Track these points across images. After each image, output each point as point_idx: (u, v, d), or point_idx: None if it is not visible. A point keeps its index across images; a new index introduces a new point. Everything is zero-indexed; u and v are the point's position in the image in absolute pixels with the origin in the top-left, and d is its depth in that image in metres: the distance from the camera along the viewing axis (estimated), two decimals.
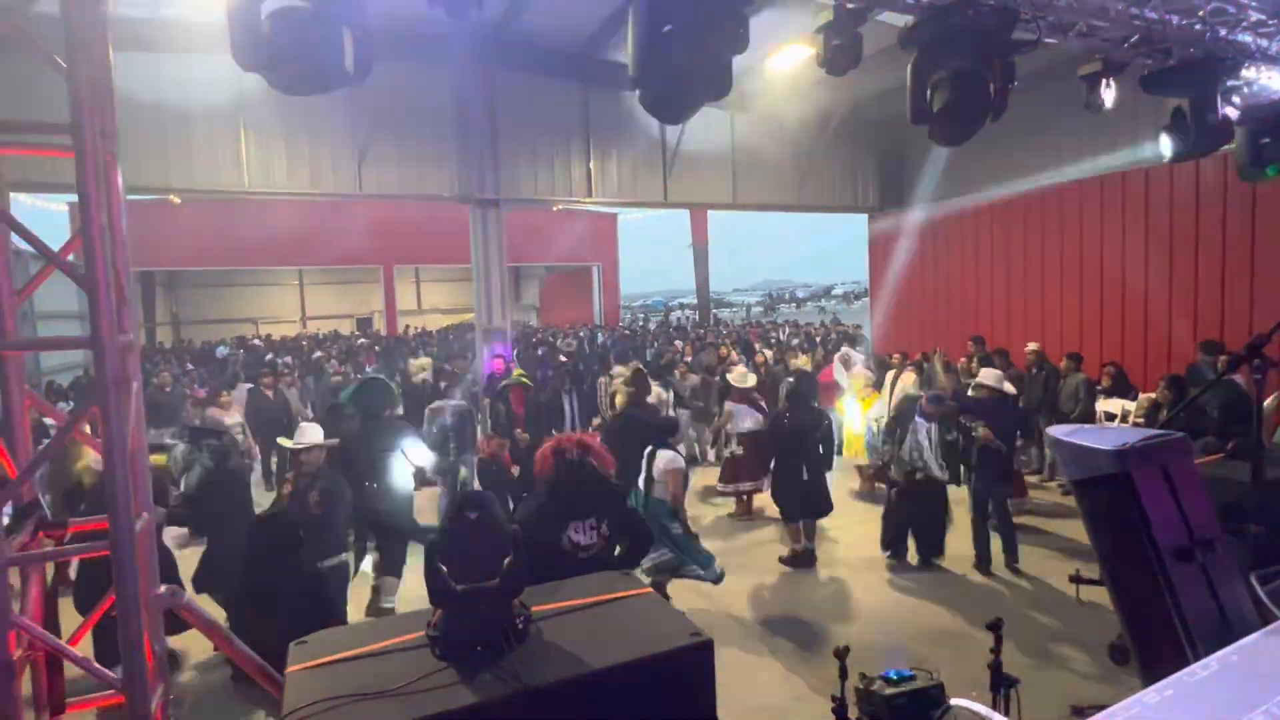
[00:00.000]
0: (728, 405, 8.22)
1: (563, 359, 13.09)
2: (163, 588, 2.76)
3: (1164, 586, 2.04)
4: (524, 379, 8.54)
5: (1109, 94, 4.69)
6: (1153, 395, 8.25)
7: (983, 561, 6.26)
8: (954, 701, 1.79)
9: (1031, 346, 9.55)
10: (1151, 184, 10.30)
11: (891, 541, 6.51)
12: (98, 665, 2.52)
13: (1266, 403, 5.54)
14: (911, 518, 6.40)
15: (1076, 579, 5.48)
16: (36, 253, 2.46)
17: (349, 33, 2.82)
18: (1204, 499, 2.19)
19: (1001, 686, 2.92)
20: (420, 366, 10.15)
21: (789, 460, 6.65)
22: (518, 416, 7.86)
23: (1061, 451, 2.61)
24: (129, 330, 2.63)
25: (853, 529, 7.43)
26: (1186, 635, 1.95)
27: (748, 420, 7.91)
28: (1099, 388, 8.65)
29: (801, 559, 6.59)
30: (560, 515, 3.49)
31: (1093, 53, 4.60)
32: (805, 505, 6.60)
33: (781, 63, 10.74)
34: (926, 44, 3.68)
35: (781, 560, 6.65)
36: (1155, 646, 2.09)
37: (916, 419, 6.27)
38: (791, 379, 7.95)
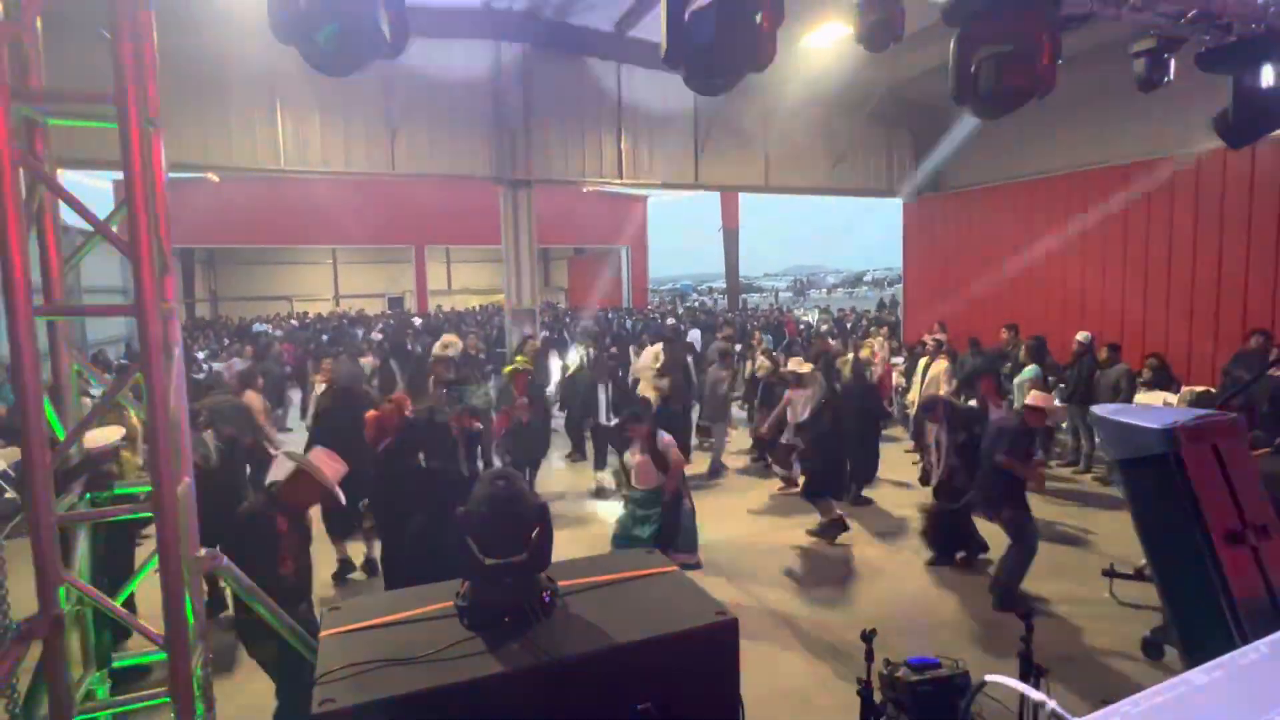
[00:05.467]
0: (788, 393, 8.00)
1: (613, 351, 13.09)
2: (203, 550, 2.84)
3: (1212, 569, 1.98)
4: (526, 365, 8.63)
5: (1163, 72, 4.50)
6: (1197, 389, 8.01)
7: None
8: (988, 677, 1.76)
9: (1081, 336, 9.27)
10: (1203, 170, 9.91)
11: (933, 542, 6.30)
12: (141, 623, 2.61)
13: None
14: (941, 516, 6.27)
15: (1110, 573, 5.40)
16: (81, 229, 2.52)
17: (384, 7, 2.82)
18: (1256, 482, 2.11)
19: (1031, 676, 2.89)
20: (446, 344, 10.14)
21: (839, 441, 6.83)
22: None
23: (1106, 430, 2.54)
24: (171, 299, 2.69)
25: (883, 515, 7.38)
26: (1235, 620, 1.89)
27: (807, 409, 7.59)
28: (1140, 380, 8.42)
29: (834, 527, 6.68)
30: None
31: (1146, 29, 4.41)
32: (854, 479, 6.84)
33: (817, 41, 10.51)
34: (971, 19, 3.55)
35: (811, 532, 6.76)
36: (1200, 630, 2.03)
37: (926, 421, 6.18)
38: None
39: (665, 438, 5.70)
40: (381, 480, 4.89)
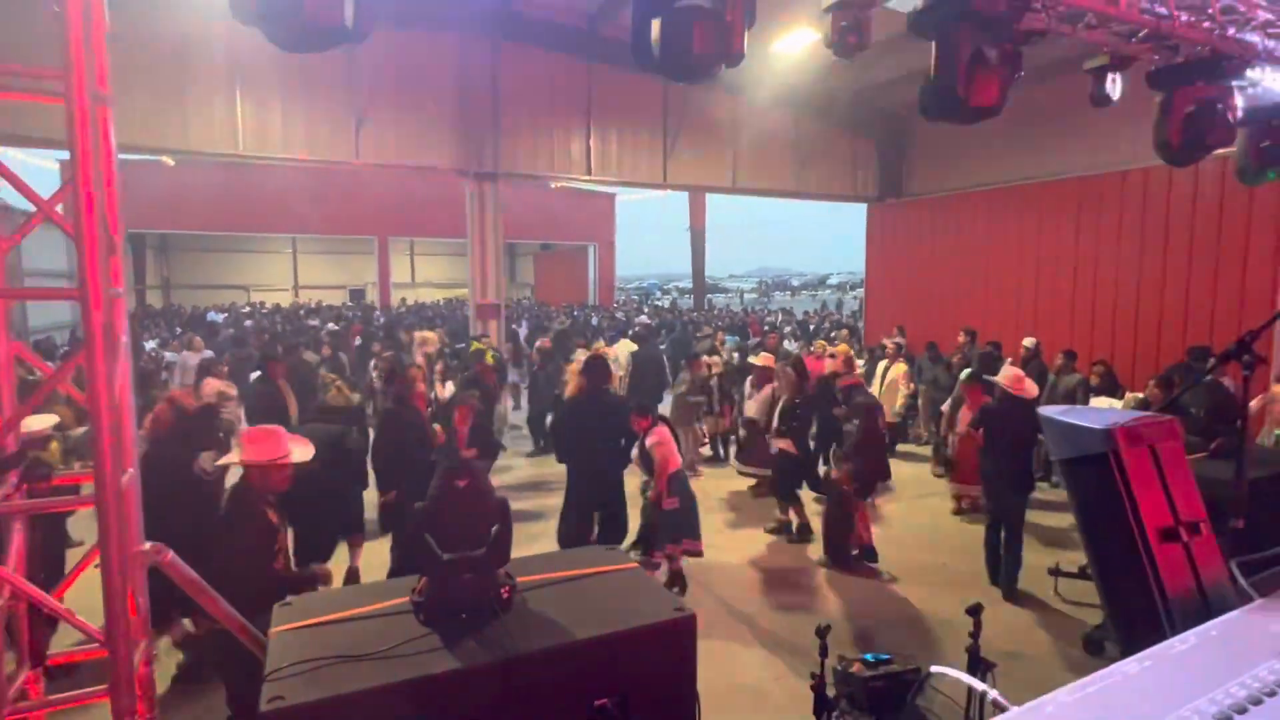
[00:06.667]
0: (747, 387, 8.08)
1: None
2: (146, 544, 2.75)
3: (1147, 565, 2.07)
4: (490, 353, 8.60)
5: (1115, 89, 4.67)
6: (1140, 395, 8.32)
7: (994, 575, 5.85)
8: (934, 669, 1.81)
9: (1027, 342, 9.57)
10: (1151, 183, 10.32)
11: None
12: (79, 619, 2.51)
13: (1252, 403, 5.58)
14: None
15: (1055, 572, 5.59)
16: (24, 209, 2.42)
17: None
18: (1190, 482, 2.22)
19: (978, 670, 2.97)
20: (424, 339, 9.92)
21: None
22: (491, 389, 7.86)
23: (1052, 431, 2.63)
24: (118, 285, 2.60)
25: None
26: (1167, 614, 1.98)
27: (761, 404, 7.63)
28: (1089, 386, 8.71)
29: (792, 528, 6.84)
30: None
31: (1100, 47, 4.58)
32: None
33: (787, 47, 10.63)
34: (936, 30, 3.64)
35: (771, 530, 6.89)
36: (1136, 624, 2.12)
37: None
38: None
39: (654, 436, 5.61)
40: None
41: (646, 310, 28.55)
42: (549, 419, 9.86)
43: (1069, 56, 8.05)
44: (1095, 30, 4.43)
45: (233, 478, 3.66)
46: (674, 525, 5.60)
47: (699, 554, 5.76)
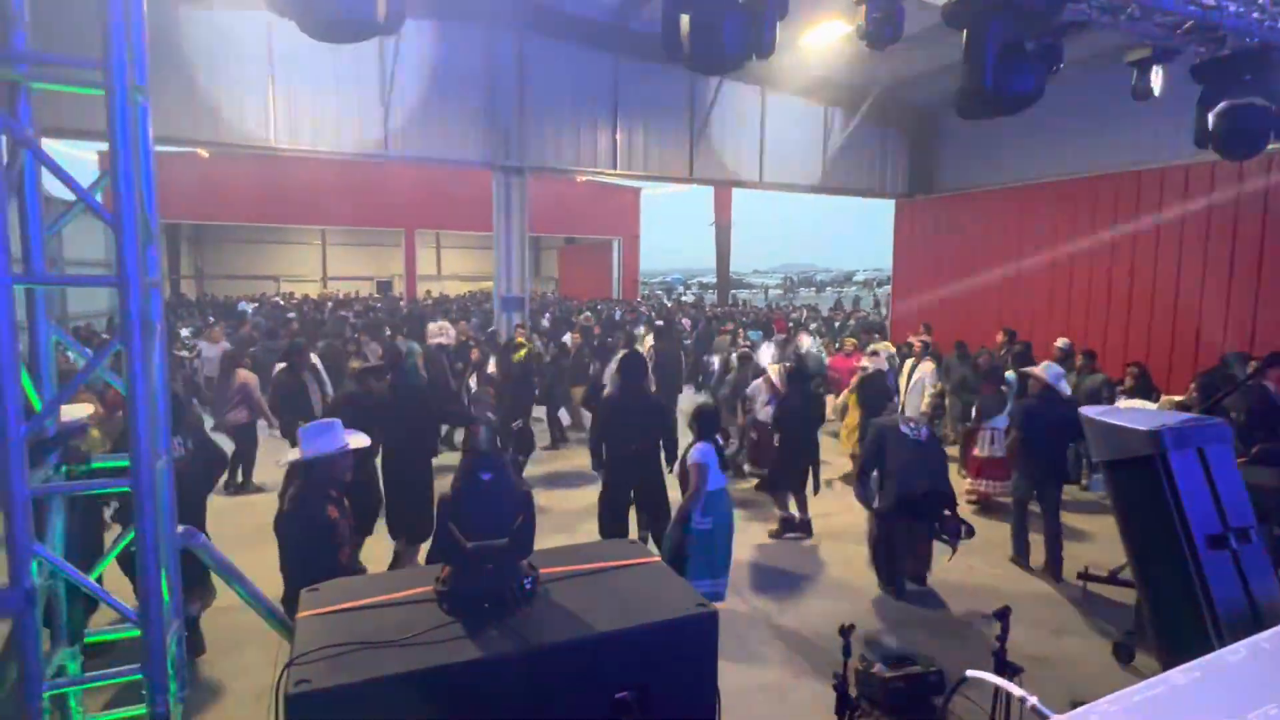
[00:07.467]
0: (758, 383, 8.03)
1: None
2: (180, 527, 2.81)
3: (1194, 573, 2.01)
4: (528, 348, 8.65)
5: (1157, 81, 4.54)
6: (1175, 398, 8.11)
7: (1022, 557, 6.10)
8: (969, 673, 1.77)
9: (1060, 343, 9.37)
10: (1192, 180, 10.03)
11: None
12: (115, 599, 2.58)
13: None
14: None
15: (1084, 576, 5.48)
16: (63, 199, 2.48)
17: None
18: (1240, 487, 2.14)
19: (1005, 674, 2.92)
20: (439, 329, 10.02)
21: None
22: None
23: (1094, 431, 2.56)
24: (154, 272, 2.65)
25: (862, 513, 7.41)
26: (1214, 623, 1.91)
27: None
28: (1120, 388, 8.51)
29: (801, 526, 6.78)
30: None
31: (1143, 39, 4.45)
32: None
33: (816, 39, 10.51)
34: (972, 21, 3.56)
35: (773, 535, 6.82)
36: (1180, 633, 2.06)
37: None
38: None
39: (691, 458, 4.89)
40: None
41: (670, 304, 28.40)
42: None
43: (1105, 49, 7.86)
44: (1139, 22, 4.30)
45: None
46: (709, 552, 4.86)
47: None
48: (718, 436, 5.10)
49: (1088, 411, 2.51)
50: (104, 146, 2.29)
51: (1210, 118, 4.61)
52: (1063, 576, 5.78)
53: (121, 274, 2.31)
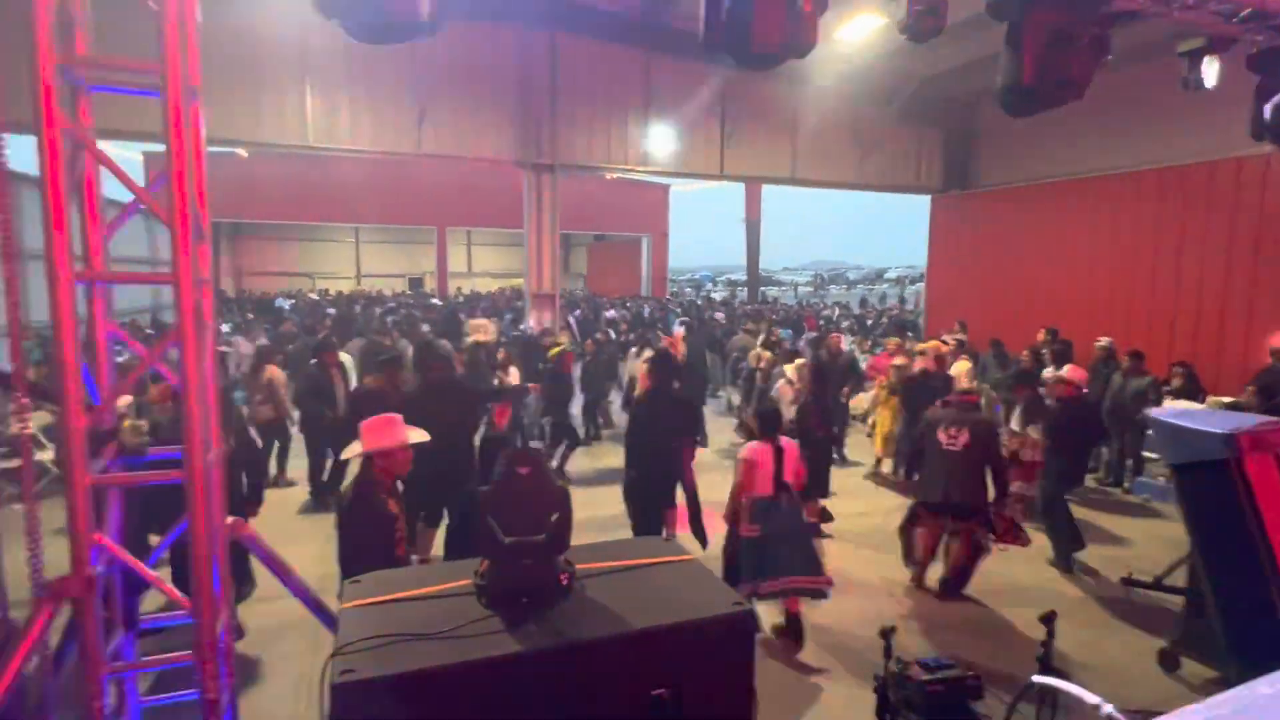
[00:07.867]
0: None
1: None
2: (229, 519, 2.89)
3: (1271, 578, 1.93)
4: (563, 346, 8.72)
5: (1211, 72, 4.38)
6: (1224, 399, 7.86)
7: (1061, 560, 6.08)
8: (1035, 679, 1.74)
9: (1102, 341, 9.12)
10: (1244, 174, 9.68)
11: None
12: (170, 586, 2.66)
13: None
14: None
15: (1128, 581, 5.33)
16: (112, 199, 2.55)
17: None
18: None
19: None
20: (478, 327, 9.95)
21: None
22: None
23: (1162, 433, 2.48)
24: (205, 271, 2.72)
25: (893, 515, 7.32)
26: None
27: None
28: (1166, 389, 8.26)
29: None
30: None
31: (1196, 28, 4.30)
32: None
33: (849, 34, 10.37)
34: (1018, 13, 3.48)
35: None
36: (1254, 642, 1.99)
37: None
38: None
39: (742, 453, 4.76)
40: None
41: (700, 301, 28.31)
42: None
43: (1152, 39, 7.61)
44: (1191, 10, 4.16)
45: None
46: (758, 558, 4.62)
47: (817, 593, 4.69)
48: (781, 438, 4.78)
49: (1156, 413, 2.43)
50: (149, 146, 2.36)
51: (1267, 109, 4.44)
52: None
53: (176, 273, 2.38)
